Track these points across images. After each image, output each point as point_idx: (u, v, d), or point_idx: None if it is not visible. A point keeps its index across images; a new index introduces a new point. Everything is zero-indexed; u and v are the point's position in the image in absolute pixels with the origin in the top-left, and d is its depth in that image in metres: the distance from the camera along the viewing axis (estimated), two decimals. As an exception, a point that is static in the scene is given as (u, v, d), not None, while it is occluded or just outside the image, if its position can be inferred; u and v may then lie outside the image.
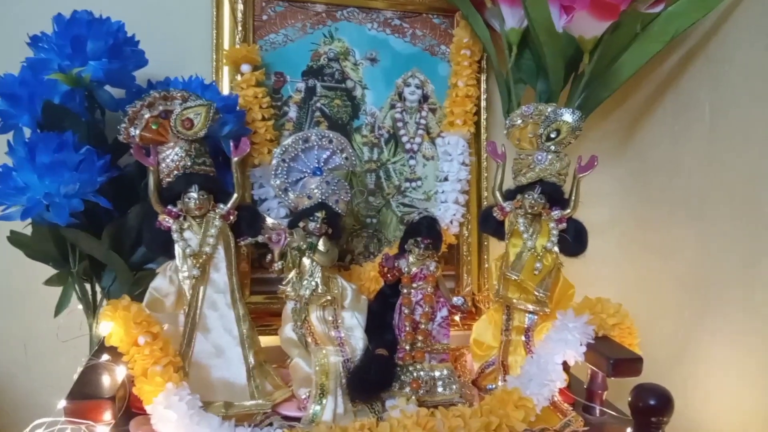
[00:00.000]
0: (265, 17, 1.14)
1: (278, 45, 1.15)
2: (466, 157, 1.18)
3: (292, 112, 1.15)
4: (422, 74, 1.21)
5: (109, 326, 0.85)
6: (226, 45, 1.11)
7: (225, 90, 1.10)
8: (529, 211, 1.01)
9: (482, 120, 1.21)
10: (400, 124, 1.20)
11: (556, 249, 1.00)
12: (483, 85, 1.22)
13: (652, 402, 0.86)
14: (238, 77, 1.09)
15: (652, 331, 1.19)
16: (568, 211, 1.02)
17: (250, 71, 1.08)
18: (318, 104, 1.16)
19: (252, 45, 1.10)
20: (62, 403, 0.74)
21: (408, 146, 1.20)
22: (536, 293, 0.98)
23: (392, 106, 1.19)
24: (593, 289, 1.03)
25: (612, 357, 0.91)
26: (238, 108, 1.04)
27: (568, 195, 1.03)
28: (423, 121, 1.21)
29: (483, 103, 1.22)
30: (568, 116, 0.99)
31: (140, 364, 0.82)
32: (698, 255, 1.16)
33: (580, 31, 1.02)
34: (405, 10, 1.20)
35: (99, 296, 1.03)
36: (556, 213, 1.02)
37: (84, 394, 0.76)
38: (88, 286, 1.03)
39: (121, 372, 0.82)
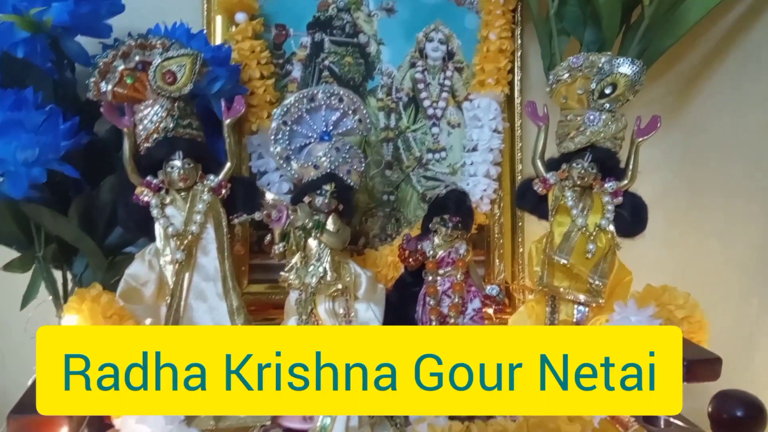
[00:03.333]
0: (264, -40, 0.98)
1: (279, -8, 0.99)
2: (498, 122, 1.01)
3: (296, 71, 0.99)
4: (447, 28, 1.04)
5: (74, 320, 0.71)
6: (219, -8, 0.94)
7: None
8: (578, 182, 0.85)
9: (516, 80, 1.05)
10: (421, 86, 1.03)
11: (611, 227, 0.84)
12: (518, 41, 1.04)
13: (739, 413, 0.71)
14: (233, 29, 0.93)
15: (711, 324, 1.03)
16: (625, 182, 0.86)
17: (246, 21, 0.93)
18: (326, 62, 1.00)
19: (248, -11, 0.93)
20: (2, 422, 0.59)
21: (430, 111, 1.04)
22: (591, 281, 0.82)
23: (412, 65, 1.03)
24: (638, 277, 0.88)
25: (686, 357, 0.74)
26: (231, 62, 0.88)
27: (625, 164, 0.87)
28: (448, 83, 1.04)
29: (518, 62, 1.05)
30: (626, 67, 0.83)
31: (109, 367, 0.67)
32: (765, 237, 0.99)
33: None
34: (426, -47, 1.03)
35: (71, 285, 0.88)
36: (610, 185, 0.86)
37: (34, 408, 0.60)
38: (59, 274, 0.88)
39: (84, 377, 0.67)
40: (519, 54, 1.05)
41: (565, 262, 0.81)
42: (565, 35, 0.99)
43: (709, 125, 1.13)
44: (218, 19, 0.96)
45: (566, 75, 0.87)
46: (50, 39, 0.80)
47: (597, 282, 0.82)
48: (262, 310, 0.97)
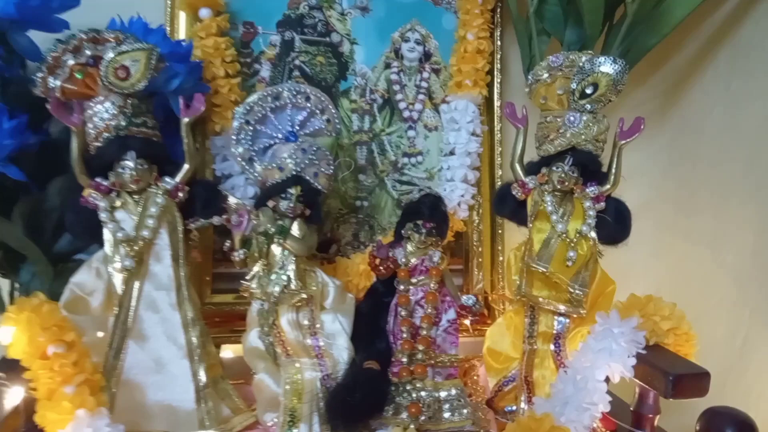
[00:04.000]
0: (232, -45, 0.94)
1: (247, -12, 0.94)
2: (477, 125, 0.97)
3: (265, 71, 0.95)
4: (423, 28, 1.00)
5: (9, 332, 0.65)
6: (183, -13, 0.90)
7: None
8: (558, 187, 0.81)
9: (496, 83, 1.00)
10: (396, 87, 0.99)
11: (593, 234, 0.79)
12: (497, 42, 1.00)
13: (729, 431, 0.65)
14: (197, 26, 0.88)
15: (702, 336, 0.98)
16: (608, 187, 0.82)
17: (211, 17, 0.88)
18: (296, 62, 0.96)
19: (212, -17, 0.89)
20: None
21: (406, 114, 0.99)
22: (571, 290, 0.77)
23: (387, 66, 0.99)
24: (625, 287, 0.84)
25: (672, 372, 0.70)
26: (193, 59, 0.84)
27: (607, 167, 0.83)
28: (424, 84, 1.00)
29: (497, 63, 1.01)
30: (608, 66, 0.79)
31: (45, 383, 0.62)
32: (759, 243, 0.95)
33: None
34: (402, -50, 0.99)
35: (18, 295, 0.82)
36: (592, 189, 0.81)
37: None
38: (6, 283, 0.82)
39: (15, 394, 0.61)
40: (499, 56, 1.01)
41: (544, 270, 0.77)
42: (546, 35, 0.95)
43: (699, 126, 1.09)
44: (182, 16, 0.91)
45: (546, 75, 0.83)
46: (-2, 33, 0.75)
47: (577, 291, 0.77)
48: (228, 321, 0.92)
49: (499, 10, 1.01)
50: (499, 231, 1.00)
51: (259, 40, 0.95)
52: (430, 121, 1.00)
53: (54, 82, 0.72)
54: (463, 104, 0.96)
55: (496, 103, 1.01)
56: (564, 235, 0.79)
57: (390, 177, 0.99)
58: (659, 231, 1.14)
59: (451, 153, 0.97)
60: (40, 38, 0.79)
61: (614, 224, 0.81)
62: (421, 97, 1.00)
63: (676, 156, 1.13)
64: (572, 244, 0.78)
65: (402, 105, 1.00)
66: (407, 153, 1.00)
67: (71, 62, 0.73)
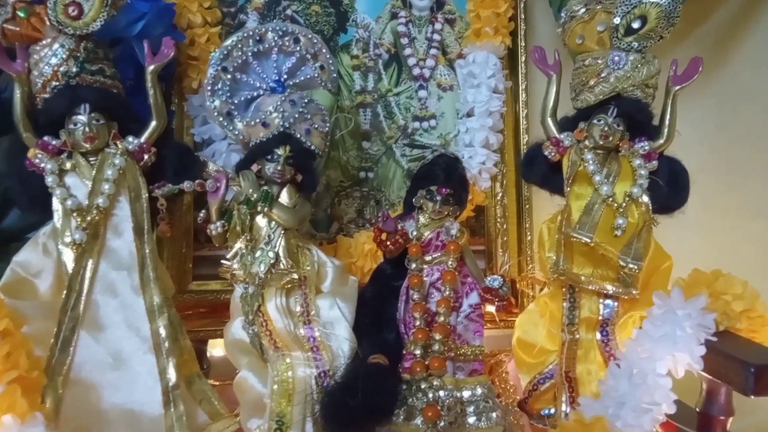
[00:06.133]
0: None
1: (231, -73, 0.82)
2: (499, 80, 0.83)
3: (252, 22, 0.83)
4: (435, -29, 0.87)
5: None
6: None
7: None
8: (601, 143, 0.68)
9: (519, 31, 0.87)
10: (405, 41, 0.86)
11: (645, 198, 0.65)
12: (519, -13, 0.87)
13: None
14: (171, -33, 0.76)
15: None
16: (660, 142, 0.69)
17: (186, -44, 0.75)
18: (288, 11, 0.84)
19: None
20: None
21: (416, 71, 0.86)
22: (622, 263, 0.63)
23: (393, 16, 0.87)
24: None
25: (753, 362, 0.56)
26: (163, 0, 0.71)
27: (659, 119, 0.70)
28: (437, 37, 0.87)
29: (521, 10, 0.87)
30: (658, -5, 0.65)
31: (-33, 381, 0.49)
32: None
33: None
34: None
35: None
36: (642, 145, 0.68)
37: None
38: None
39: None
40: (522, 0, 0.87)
41: (588, 240, 0.63)
42: (577, -28, 0.81)
43: (752, 88, 0.95)
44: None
45: (582, 10, 0.70)
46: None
47: (630, 265, 0.63)
48: (213, 312, 0.80)
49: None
50: (527, 205, 0.87)
51: (245, -14, 0.82)
52: (444, 79, 0.87)
53: (-8, 23, 0.60)
54: (482, 56, 0.83)
55: (521, 57, 0.87)
56: (610, 199, 0.65)
57: (399, 144, 0.86)
58: (707, 208, 1.00)
59: (470, 114, 0.84)
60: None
61: (668, 187, 0.68)
62: (433, 51, 0.87)
63: (724, 124, 1.00)
64: (621, 210, 0.64)
65: (411, 61, 0.86)
66: (418, 116, 0.86)
67: (13, -1, 0.61)
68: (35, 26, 0.62)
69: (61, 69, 0.61)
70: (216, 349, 0.82)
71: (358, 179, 0.85)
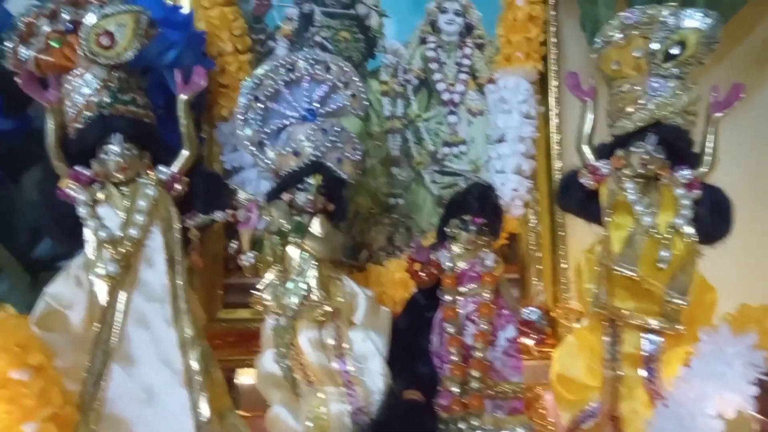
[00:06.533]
0: None
1: (261, -45, 0.82)
2: (530, 105, 0.82)
3: (281, 49, 0.82)
4: (464, -4, 0.86)
5: (-31, 354, 0.52)
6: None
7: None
8: (641, 171, 0.66)
9: (550, 55, 0.86)
10: (434, 66, 0.85)
11: (689, 229, 0.63)
12: (551, 10, 0.86)
13: None
14: (203, -3, 0.76)
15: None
16: (703, 170, 0.66)
17: (217, -16, 0.76)
18: (317, 38, 0.83)
19: (218, -55, 0.77)
20: None
21: (446, 96, 0.85)
22: (668, 299, 0.60)
23: (423, 41, 0.86)
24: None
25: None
26: (194, 28, 0.71)
27: (700, 146, 0.68)
28: (467, 62, 0.86)
29: (552, 34, 0.86)
30: (697, 19, 0.65)
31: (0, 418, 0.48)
32: None
33: None
34: None
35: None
36: (684, 173, 0.65)
37: None
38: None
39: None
40: (553, 24, 0.86)
41: (633, 274, 0.61)
42: (611, -4, 0.80)
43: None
44: (185, -13, 0.79)
45: (618, 35, 0.68)
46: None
47: (676, 300, 0.60)
48: (242, 341, 0.78)
49: (552, -30, 0.87)
50: (561, 232, 0.85)
51: (274, 13, 0.82)
52: (474, 104, 0.86)
53: (26, 53, 0.61)
54: (513, 81, 0.82)
55: (552, 81, 0.86)
56: (653, 230, 0.63)
57: (428, 170, 0.85)
58: (750, 236, 0.97)
59: (501, 140, 0.82)
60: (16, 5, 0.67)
61: (711, 217, 0.66)
62: (462, 76, 0.86)
63: (759, 142, 0.97)
64: (664, 242, 0.62)
65: (441, 86, 0.85)
66: (448, 142, 0.85)
67: (47, 29, 0.61)
68: (68, 56, 0.62)
69: (94, 99, 0.60)
70: (245, 376, 0.81)
71: (388, 206, 0.83)
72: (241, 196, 0.68)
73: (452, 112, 0.86)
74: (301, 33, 0.83)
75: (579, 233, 0.81)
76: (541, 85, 0.85)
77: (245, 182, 0.76)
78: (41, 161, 0.65)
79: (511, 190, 0.81)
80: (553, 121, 0.86)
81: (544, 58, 0.84)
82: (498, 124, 0.83)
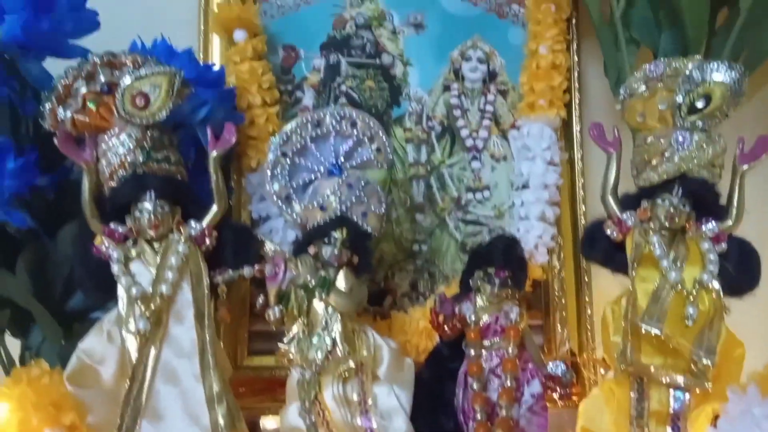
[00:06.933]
0: (270, -26, 0.84)
1: (288, 9, 0.85)
2: (554, 152, 0.82)
3: (308, 98, 0.84)
4: (487, 44, 0.87)
5: (5, 410, 0.54)
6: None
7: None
8: (667, 224, 0.65)
9: (574, 102, 0.86)
10: (457, 113, 0.86)
11: (716, 284, 0.62)
12: (573, 57, 0.87)
13: None
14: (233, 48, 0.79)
15: None
16: (729, 223, 0.66)
17: (246, 39, 0.78)
18: (343, 87, 0.85)
19: (247, 3, 0.79)
20: None
21: (469, 143, 0.86)
22: (695, 358, 0.60)
23: (446, 89, 0.86)
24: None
25: None
26: (226, 86, 0.74)
27: (727, 199, 0.67)
28: (490, 108, 0.87)
29: (575, 80, 0.87)
30: (722, 73, 0.64)
31: (34, 477, 0.50)
32: None
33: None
34: (461, -42, 0.88)
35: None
36: (710, 227, 0.65)
37: None
38: (17, 345, 0.72)
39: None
40: (576, 71, 0.87)
41: (658, 332, 0.60)
42: (634, 44, 0.80)
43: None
44: (216, 40, 0.82)
45: (643, 87, 0.68)
46: (6, 62, 0.67)
47: (704, 360, 0.60)
48: (268, 389, 0.79)
49: (574, 18, 0.87)
50: (586, 279, 0.84)
51: (301, 64, 0.84)
52: (498, 150, 0.86)
53: (64, 114, 0.63)
54: (537, 129, 0.82)
55: (575, 126, 0.86)
56: (679, 285, 0.62)
57: (452, 216, 0.85)
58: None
59: (525, 186, 0.82)
60: (56, 66, 0.70)
61: (738, 270, 0.65)
62: (486, 122, 0.87)
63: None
64: (691, 298, 0.61)
65: (464, 132, 0.86)
66: (471, 187, 0.86)
67: (84, 90, 0.63)
68: (104, 116, 0.64)
69: (129, 158, 0.62)
70: (269, 421, 0.81)
71: (412, 252, 0.84)
72: (269, 247, 0.70)
73: (475, 158, 0.86)
74: (328, 83, 0.84)
75: (604, 280, 0.80)
76: (565, 130, 0.85)
77: (272, 231, 0.77)
78: (77, 217, 0.67)
79: (536, 237, 0.80)
80: (577, 166, 0.86)
81: (567, 105, 0.85)
82: (522, 171, 0.83)
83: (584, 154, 0.86)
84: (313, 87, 0.84)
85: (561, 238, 0.84)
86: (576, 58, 0.87)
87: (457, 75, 0.87)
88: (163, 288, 0.61)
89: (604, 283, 0.80)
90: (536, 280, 0.82)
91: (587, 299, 0.84)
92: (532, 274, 0.80)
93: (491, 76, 0.87)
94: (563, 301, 0.83)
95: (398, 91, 0.86)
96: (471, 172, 0.86)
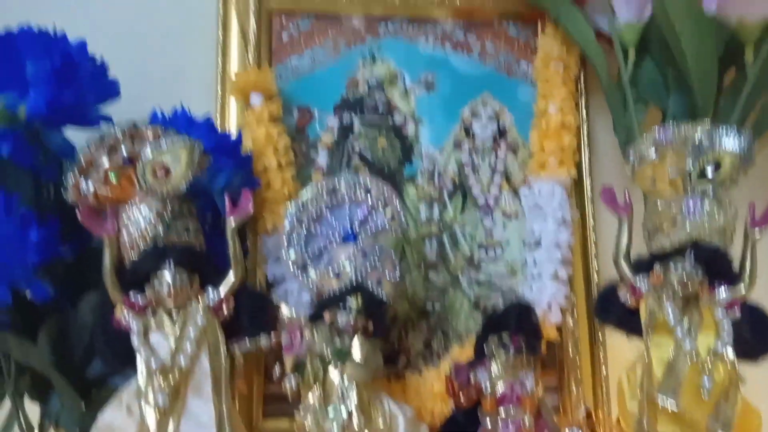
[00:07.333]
0: (285, 37, 0.87)
1: (303, 71, 0.86)
2: (565, 211, 0.83)
3: (322, 158, 0.85)
4: (496, 101, 0.89)
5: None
6: (234, 73, 0.83)
7: (233, 132, 0.81)
8: (679, 291, 0.65)
9: (584, 159, 0.87)
10: (468, 170, 0.87)
11: (731, 353, 0.62)
12: (582, 112, 0.88)
13: None
14: (249, 113, 0.80)
15: None
16: (742, 289, 0.67)
17: (263, 103, 0.80)
18: (356, 146, 0.86)
19: (263, 68, 0.81)
20: None
21: (481, 200, 0.87)
22: (712, 430, 0.60)
23: (457, 146, 0.88)
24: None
25: None
26: (243, 151, 0.75)
27: (739, 264, 0.68)
28: (500, 165, 0.88)
29: (584, 137, 0.88)
30: (731, 140, 0.66)
31: None
32: None
33: (739, 9, 0.68)
34: (470, 19, 0.90)
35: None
36: (722, 294, 0.65)
37: None
38: (36, 411, 0.73)
39: None
40: (585, 128, 0.88)
41: (674, 407, 0.60)
42: (643, 104, 0.82)
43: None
44: (233, 105, 0.83)
45: (652, 153, 0.69)
46: (29, 132, 0.69)
47: (720, 432, 0.60)
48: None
49: (582, 76, 0.89)
50: (600, 336, 0.84)
51: (315, 125, 0.86)
52: (509, 207, 0.87)
53: (86, 187, 0.64)
54: (548, 188, 0.83)
55: (586, 183, 0.87)
56: (693, 355, 0.63)
57: (465, 274, 0.85)
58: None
59: (537, 244, 0.83)
60: (77, 133, 0.72)
61: (752, 336, 0.65)
62: (497, 180, 0.87)
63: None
64: (706, 370, 0.61)
65: (476, 190, 0.87)
66: (484, 245, 0.86)
67: (106, 163, 0.65)
68: (125, 188, 0.65)
69: (149, 231, 0.63)
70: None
71: (425, 311, 0.84)
72: (284, 310, 0.70)
73: (487, 215, 0.86)
74: (341, 142, 0.86)
75: (618, 338, 0.80)
76: (576, 188, 0.86)
77: (288, 293, 0.77)
78: (98, 283, 0.69)
79: (549, 297, 0.80)
80: (589, 223, 0.86)
81: (577, 163, 0.85)
82: (534, 230, 0.83)
83: (595, 210, 0.87)
84: (326, 147, 0.85)
85: (574, 296, 0.84)
86: (584, 114, 0.88)
87: (468, 133, 0.88)
88: (182, 360, 0.61)
89: (618, 341, 0.80)
90: (549, 341, 0.82)
91: (602, 357, 0.84)
92: (547, 334, 0.80)
93: (501, 133, 0.88)
94: (578, 360, 0.82)
95: (410, 149, 0.87)
96: (483, 230, 0.86)
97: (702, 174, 0.66)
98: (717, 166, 0.66)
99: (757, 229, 0.67)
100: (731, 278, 0.66)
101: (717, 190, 0.66)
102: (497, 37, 0.90)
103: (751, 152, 0.65)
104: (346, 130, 0.86)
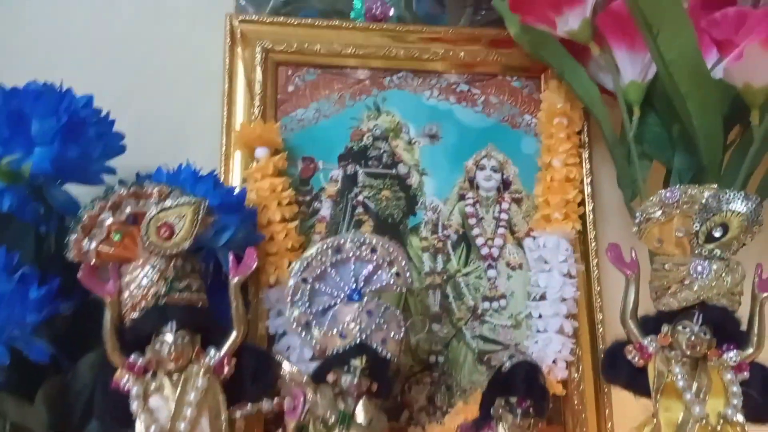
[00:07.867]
0: (291, 88, 0.87)
1: (307, 122, 0.87)
2: (570, 265, 0.82)
3: (325, 209, 0.85)
4: (500, 153, 0.89)
5: None
6: (239, 125, 0.83)
7: (237, 184, 0.81)
8: (688, 353, 0.64)
9: (588, 211, 0.87)
10: (472, 221, 0.87)
11: (740, 418, 0.61)
12: (586, 164, 0.88)
13: None
14: (254, 166, 0.80)
15: None
16: (750, 351, 0.66)
17: (267, 156, 0.80)
18: (360, 197, 0.86)
19: (269, 122, 0.81)
20: None
21: (485, 251, 0.86)
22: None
23: (461, 197, 0.88)
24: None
25: None
26: (248, 205, 0.75)
27: (747, 325, 0.67)
28: (504, 216, 0.87)
29: (588, 189, 0.88)
30: (739, 203, 0.65)
31: None
32: None
33: (745, 76, 0.68)
34: (474, 72, 0.91)
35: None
36: (732, 356, 0.65)
37: None
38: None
39: None
40: (588, 180, 0.88)
41: (686, 477, 0.59)
42: (647, 159, 0.82)
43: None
44: (238, 158, 0.83)
45: (659, 212, 0.69)
46: (32, 187, 0.68)
47: (731, 500, 0.58)
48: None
49: (586, 129, 0.89)
50: (605, 390, 0.83)
51: (320, 175, 0.86)
52: (513, 258, 0.87)
53: (89, 245, 0.64)
54: (553, 241, 0.83)
55: (590, 236, 0.87)
56: (704, 420, 0.62)
57: (469, 326, 0.84)
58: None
59: (542, 298, 0.82)
60: (80, 187, 0.72)
61: (761, 397, 0.64)
62: (501, 231, 0.87)
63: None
64: (716, 432, 0.61)
65: (479, 241, 0.87)
66: (488, 296, 0.85)
67: (109, 221, 0.64)
68: (128, 247, 0.65)
69: (152, 290, 0.63)
70: None
71: (428, 364, 0.83)
72: (286, 367, 0.69)
73: (491, 266, 0.86)
74: (345, 193, 0.86)
75: (624, 393, 0.78)
76: (581, 241, 0.86)
77: (290, 348, 0.76)
78: (97, 340, 0.67)
79: (555, 351, 0.79)
80: (593, 274, 0.86)
81: (582, 215, 0.85)
82: (539, 283, 0.83)
83: (600, 262, 0.86)
84: (330, 197, 0.85)
85: (579, 349, 0.83)
86: (588, 166, 0.89)
87: (472, 184, 0.88)
88: (181, 426, 0.60)
89: (624, 395, 0.79)
90: (555, 395, 0.81)
91: (607, 411, 0.82)
92: (552, 390, 0.79)
93: (505, 184, 0.89)
94: (584, 415, 0.81)
95: (414, 200, 0.87)
96: (487, 281, 0.86)
97: (709, 236, 0.65)
98: (725, 228, 0.65)
99: (765, 291, 0.66)
100: (740, 339, 0.66)
101: (725, 252, 0.65)
102: (501, 90, 0.91)
103: (758, 214, 0.65)
104: (350, 181, 0.86)
